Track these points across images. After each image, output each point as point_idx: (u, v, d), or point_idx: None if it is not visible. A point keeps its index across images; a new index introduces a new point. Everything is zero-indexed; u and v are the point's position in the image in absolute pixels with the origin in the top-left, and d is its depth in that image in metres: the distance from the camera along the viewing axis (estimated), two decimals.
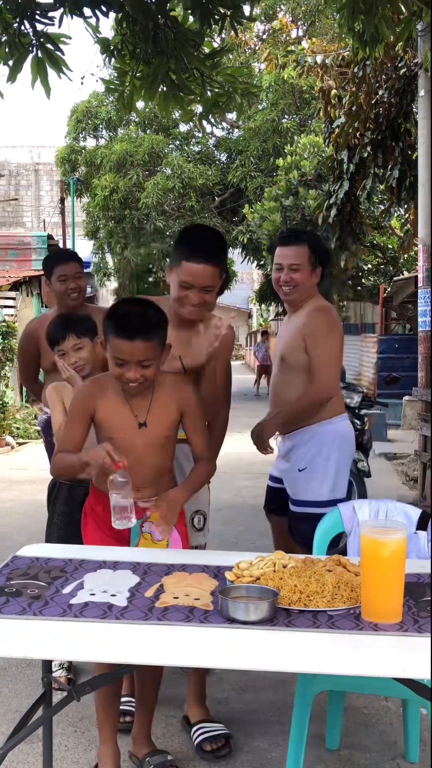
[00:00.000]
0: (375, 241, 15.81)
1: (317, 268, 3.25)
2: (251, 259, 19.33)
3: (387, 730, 2.90)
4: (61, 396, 3.00)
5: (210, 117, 4.28)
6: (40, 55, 3.49)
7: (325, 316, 3.22)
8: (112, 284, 24.39)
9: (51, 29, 3.47)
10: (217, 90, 4.01)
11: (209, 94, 4.02)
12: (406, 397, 11.92)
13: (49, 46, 3.48)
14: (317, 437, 3.20)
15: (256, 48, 16.88)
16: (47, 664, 2.27)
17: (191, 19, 3.68)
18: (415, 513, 2.65)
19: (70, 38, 3.47)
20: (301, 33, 16.66)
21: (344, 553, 2.73)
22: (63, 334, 3.00)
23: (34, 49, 3.49)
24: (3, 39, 3.50)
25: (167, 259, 16.54)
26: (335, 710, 2.73)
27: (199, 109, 4.30)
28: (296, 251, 3.20)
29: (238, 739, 2.80)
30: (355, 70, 7.20)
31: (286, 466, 3.29)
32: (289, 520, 3.30)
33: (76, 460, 2.38)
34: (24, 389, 13.22)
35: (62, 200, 22.42)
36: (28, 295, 14.78)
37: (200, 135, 19.43)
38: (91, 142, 21.10)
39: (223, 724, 2.82)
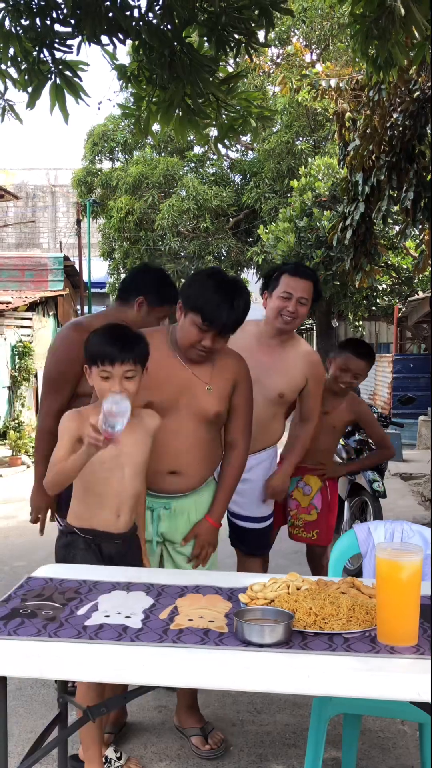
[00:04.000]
0: (389, 262, 15.83)
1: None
2: None
3: (403, 754, 2.87)
4: (80, 429, 2.40)
5: (225, 140, 4.33)
6: (58, 81, 3.55)
7: (321, 364, 3.54)
8: None
9: (69, 56, 3.53)
10: (232, 114, 4.06)
11: (224, 118, 4.07)
12: (421, 417, 11.87)
13: (67, 72, 3.53)
14: (273, 457, 3.50)
15: (271, 71, 17.04)
16: (63, 685, 2.27)
17: (207, 45, 3.73)
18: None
19: (88, 65, 3.53)
20: (315, 57, 16.81)
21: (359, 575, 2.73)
22: (121, 355, 2.43)
23: (53, 76, 3.55)
24: (23, 66, 3.56)
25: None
26: (351, 734, 2.70)
27: (214, 132, 4.35)
28: (307, 285, 3.29)
29: (253, 762, 2.78)
30: (370, 93, 7.25)
31: (245, 486, 3.29)
32: (247, 535, 3.45)
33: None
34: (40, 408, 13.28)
35: (78, 222, 22.63)
36: (44, 316, 14.90)
37: (215, 157, 19.58)
38: (107, 165, 21.31)
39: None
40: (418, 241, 10.23)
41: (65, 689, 2.28)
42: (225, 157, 19.83)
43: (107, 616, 1.95)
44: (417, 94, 7.21)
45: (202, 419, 2.70)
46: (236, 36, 3.63)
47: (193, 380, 2.68)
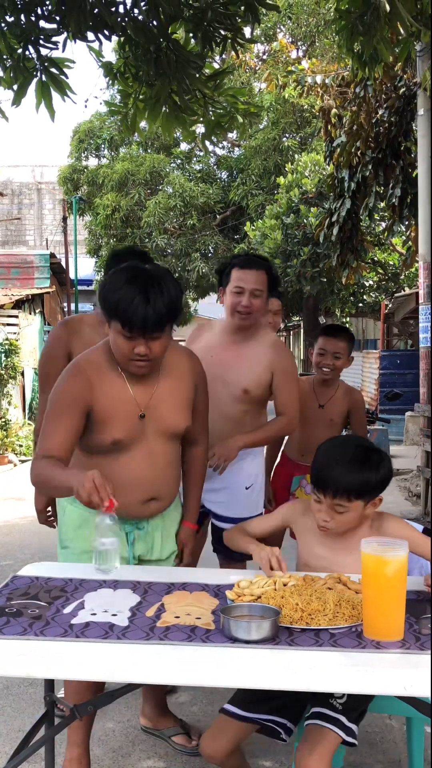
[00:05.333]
0: (376, 258, 15.88)
1: (269, 296, 3.22)
2: None
3: (390, 749, 2.89)
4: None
5: (212, 137, 4.32)
6: (44, 79, 3.54)
7: (289, 353, 3.30)
8: None
9: (55, 53, 3.52)
10: (218, 111, 4.06)
11: (211, 114, 4.07)
12: (408, 413, 11.91)
13: (53, 70, 3.52)
14: (259, 456, 3.35)
15: (257, 68, 17.03)
16: (49, 684, 2.27)
17: (193, 41, 3.72)
18: (417, 529, 2.65)
19: (73, 62, 3.51)
20: (301, 54, 16.81)
21: None
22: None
23: (39, 73, 3.53)
24: (8, 64, 3.55)
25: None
26: None
27: (201, 129, 4.35)
28: (259, 276, 3.11)
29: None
30: (356, 90, 7.27)
31: (222, 485, 3.19)
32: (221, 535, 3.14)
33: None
34: (27, 406, 13.26)
35: (64, 219, 22.57)
36: (30, 314, 14.84)
37: (201, 154, 19.57)
38: (93, 162, 21.27)
39: None
40: (404, 237, 10.28)
41: (52, 688, 2.27)
42: (212, 154, 19.81)
43: (93, 614, 1.94)
44: (402, 90, 7.23)
45: (170, 437, 2.47)
46: (222, 32, 3.63)
47: (154, 400, 2.40)
